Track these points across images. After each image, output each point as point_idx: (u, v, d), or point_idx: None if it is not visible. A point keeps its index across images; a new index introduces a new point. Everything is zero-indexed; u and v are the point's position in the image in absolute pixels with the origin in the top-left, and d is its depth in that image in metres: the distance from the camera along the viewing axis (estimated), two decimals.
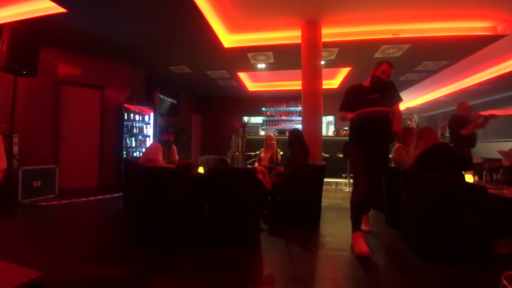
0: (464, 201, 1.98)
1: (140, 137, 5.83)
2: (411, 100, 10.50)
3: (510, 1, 3.68)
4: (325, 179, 3.91)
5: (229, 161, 4.42)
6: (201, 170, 3.18)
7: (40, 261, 1.98)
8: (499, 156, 3.08)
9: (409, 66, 6.00)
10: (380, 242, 2.53)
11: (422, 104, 10.59)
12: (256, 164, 4.08)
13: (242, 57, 5.52)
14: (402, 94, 9.17)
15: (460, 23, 4.35)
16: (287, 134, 3.47)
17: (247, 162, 4.63)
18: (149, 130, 5.97)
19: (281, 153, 4.31)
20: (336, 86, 7.82)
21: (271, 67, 6.20)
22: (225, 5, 3.95)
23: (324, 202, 3.77)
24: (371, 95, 2.33)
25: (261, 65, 6.04)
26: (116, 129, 5.46)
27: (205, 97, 9.71)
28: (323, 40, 4.44)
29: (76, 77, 5.17)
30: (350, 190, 5.17)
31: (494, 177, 2.61)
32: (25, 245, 2.34)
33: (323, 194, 3.15)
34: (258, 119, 10.10)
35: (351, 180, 5.30)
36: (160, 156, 3.28)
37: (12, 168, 3.70)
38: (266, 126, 8.76)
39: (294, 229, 2.80)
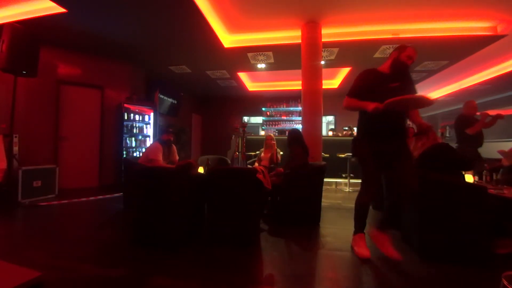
0: (464, 201, 1.98)
1: (140, 137, 5.83)
2: None
3: (510, 1, 3.68)
4: (325, 179, 3.91)
5: (229, 161, 4.42)
6: (201, 170, 3.18)
7: (40, 261, 1.98)
8: (499, 156, 3.08)
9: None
10: None
11: None
12: (256, 164, 4.08)
13: (242, 57, 5.52)
14: None
15: (460, 23, 4.35)
16: (287, 134, 3.47)
17: (247, 162, 4.63)
18: (149, 130, 5.97)
19: (281, 153, 4.31)
20: (336, 86, 7.82)
21: (271, 67, 6.20)
22: (225, 5, 3.95)
23: (324, 202, 3.77)
24: (392, 83, 2.01)
25: (261, 65, 6.04)
26: (116, 129, 5.46)
27: (205, 97, 9.71)
28: (323, 40, 4.44)
29: (76, 77, 5.17)
30: (350, 190, 5.17)
31: (494, 177, 2.61)
32: (25, 245, 2.34)
33: (323, 194, 3.15)
34: (258, 119, 10.10)
35: (351, 180, 5.31)
36: (160, 156, 3.28)
37: (12, 168, 3.70)
38: (266, 126, 8.76)
39: (294, 229, 2.80)
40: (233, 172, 2.52)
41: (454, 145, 3.70)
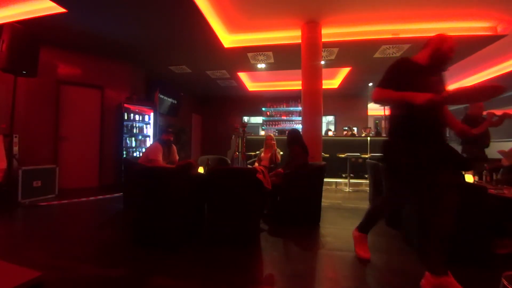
0: (464, 201, 1.98)
1: (140, 137, 5.83)
2: None
3: (510, 1, 3.68)
4: (325, 179, 3.92)
5: (229, 161, 4.42)
6: (201, 170, 3.18)
7: (40, 261, 1.98)
8: (499, 156, 3.08)
9: None
10: (380, 242, 2.53)
11: None
12: (256, 164, 4.08)
13: (242, 57, 5.52)
14: None
15: (460, 23, 4.35)
16: (287, 134, 3.47)
17: (247, 162, 4.63)
18: (149, 130, 5.97)
19: (281, 153, 4.31)
20: (336, 86, 7.82)
21: (271, 67, 6.20)
22: (225, 5, 3.95)
23: (324, 202, 3.77)
24: (432, 76, 1.77)
25: (261, 65, 6.04)
26: (116, 129, 5.46)
27: (205, 97, 9.71)
28: (323, 40, 4.44)
29: (76, 77, 5.17)
30: (350, 190, 5.17)
31: (494, 177, 2.61)
32: (25, 245, 2.34)
33: (323, 194, 3.15)
34: (258, 119, 10.10)
35: (351, 180, 5.31)
36: (160, 156, 3.27)
37: (12, 168, 3.70)
38: (266, 126, 8.76)
39: (294, 229, 2.80)
40: (233, 172, 2.52)
41: (458, 146, 3.65)
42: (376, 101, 1.83)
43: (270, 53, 5.31)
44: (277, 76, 7.49)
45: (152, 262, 1.97)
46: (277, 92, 8.65)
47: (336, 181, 5.70)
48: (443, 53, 1.75)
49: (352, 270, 1.93)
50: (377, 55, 5.28)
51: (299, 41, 4.51)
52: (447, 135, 5.76)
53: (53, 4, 3.60)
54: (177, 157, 3.70)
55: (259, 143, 5.15)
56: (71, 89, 5.13)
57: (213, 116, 9.97)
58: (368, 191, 4.54)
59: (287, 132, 3.51)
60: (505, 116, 3.48)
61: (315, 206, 3.00)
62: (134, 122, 5.64)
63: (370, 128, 6.71)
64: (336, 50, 5.08)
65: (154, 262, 1.97)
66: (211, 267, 1.93)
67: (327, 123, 11.25)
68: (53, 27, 4.19)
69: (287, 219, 2.97)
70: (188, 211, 2.35)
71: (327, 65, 5.91)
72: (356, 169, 5.45)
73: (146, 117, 5.91)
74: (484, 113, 3.72)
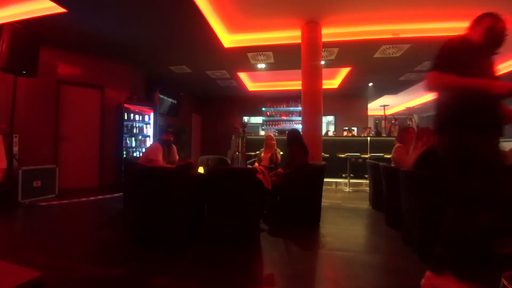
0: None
1: (140, 137, 5.83)
2: (411, 100, 10.51)
3: (510, 1, 3.68)
4: (325, 179, 3.92)
5: (229, 161, 4.42)
6: (201, 170, 3.18)
7: (40, 261, 1.98)
8: None
9: (409, 66, 6.00)
10: (380, 242, 2.53)
11: (422, 104, 10.59)
12: (256, 164, 4.08)
13: (242, 57, 5.52)
14: (402, 94, 9.19)
15: (460, 23, 4.34)
16: (286, 134, 3.47)
17: (247, 162, 4.63)
18: (149, 130, 5.97)
19: (281, 153, 4.31)
20: (336, 86, 7.82)
21: (271, 67, 6.20)
22: (225, 5, 3.95)
23: (324, 202, 3.77)
24: (488, 58, 1.56)
25: (261, 65, 6.04)
26: (116, 129, 5.46)
27: (205, 97, 9.71)
28: (323, 40, 4.44)
29: (76, 77, 5.17)
30: (350, 190, 5.17)
31: None
32: (25, 245, 2.34)
33: (323, 194, 3.15)
34: (258, 119, 10.11)
35: (351, 180, 5.31)
36: (160, 156, 3.27)
37: (12, 168, 3.70)
38: (266, 126, 8.76)
39: (294, 229, 2.80)
40: (233, 172, 2.52)
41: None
42: (433, 88, 1.53)
43: (270, 53, 5.31)
44: (277, 76, 7.49)
45: (152, 262, 1.97)
46: (277, 92, 8.65)
47: (336, 181, 5.70)
48: (499, 31, 1.59)
49: (352, 270, 1.93)
50: (377, 55, 5.28)
51: (299, 41, 4.51)
52: None
53: (53, 4, 3.60)
54: (177, 157, 3.70)
55: (259, 143, 5.15)
56: (71, 89, 5.13)
57: (213, 116, 9.97)
58: (368, 191, 4.54)
59: (287, 132, 3.51)
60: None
61: (315, 206, 3.00)
62: (134, 122, 5.64)
63: (370, 128, 6.72)
64: (336, 50, 5.08)
65: (154, 262, 1.97)
66: (211, 267, 1.93)
67: (327, 123, 11.26)
68: (53, 27, 4.19)
69: (287, 219, 2.97)
70: (188, 211, 2.34)
71: (327, 65, 5.90)
72: (356, 169, 5.45)
73: (146, 117, 5.91)
74: None
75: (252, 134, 7.38)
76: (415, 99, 10.29)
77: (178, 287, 1.65)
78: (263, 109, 8.89)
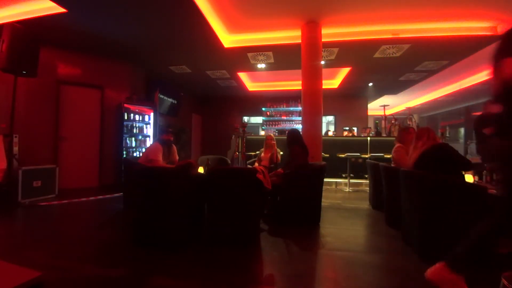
0: (464, 201, 1.98)
1: (140, 137, 5.83)
2: (411, 100, 10.51)
3: (510, 1, 3.68)
4: (325, 179, 3.92)
5: (229, 161, 4.42)
6: (201, 170, 3.18)
7: (40, 261, 1.98)
8: None
9: (409, 66, 6.00)
10: (380, 242, 2.53)
11: (422, 104, 10.59)
12: (256, 164, 4.08)
13: (242, 57, 5.52)
14: (402, 94, 9.18)
15: (460, 23, 4.34)
16: (286, 134, 3.47)
17: (247, 162, 4.63)
18: (149, 130, 5.97)
19: (281, 153, 4.31)
20: (336, 86, 7.82)
21: (271, 67, 6.20)
22: (225, 5, 3.95)
23: (324, 202, 3.77)
24: None
25: (261, 65, 6.04)
26: (116, 129, 5.46)
27: (205, 97, 9.71)
28: (323, 40, 4.44)
29: (76, 77, 5.17)
30: (350, 190, 5.17)
31: (494, 177, 2.61)
32: (25, 245, 2.34)
33: (323, 194, 3.15)
34: (258, 119, 10.10)
35: (351, 180, 5.30)
36: (160, 156, 3.27)
37: (12, 168, 3.70)
38: (266, 126, 8.76)
39: (294, 229, 2.80)
40: (233, 172, 2.52)
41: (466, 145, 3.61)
42: None
43: (270, 53, 5.31)
44: (277, 76, 7.49)
45: (152, 262, 1.97)
46: (277, 92, 8.65)
47: (336, 181, 5.70)
48: None
49: (352, 270, 1.93)
50: (377, 55, 5.28)
51: (299, 41, 4.51)
52: (447, 135, 5.69)
53: (53, 4, 3.60)
54: (177, 157, 3.70)
55: (259, 143, 5.15)
56: (71, 89, 5.13)
57: (213, 116, 9.97)
58: (368, 191, 4.54)
59: (287, 132, 3.51)
60: None
61: (315, 206, 3.00)
62: (134, 122, 5.64)
63: (370, 128, 6.71)
64: (336, 50, 5.08)
65: (154, 262, 1.97)
66: (211, 267, 1.93)
67: (327, 123, 11.25)
68: (53, 27, 4.19)
69: (287, 219, 2.97)
70: (188, 211, 2.34)
71: (327, 65, 5.90)
72: (356, 169, 5.45)
73: (146, 117, 5.91)
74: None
75: (252, 134, 7.38)
76: (415, 99, 10.30)
77: (178, 287, 1.66)
78: (263, 109, 8.88)
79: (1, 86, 4.29)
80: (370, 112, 9.69)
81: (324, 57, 5.39)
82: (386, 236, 2.66)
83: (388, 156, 4.14)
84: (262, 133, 8.42)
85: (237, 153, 4.88)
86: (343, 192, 5.15)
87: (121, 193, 4.12)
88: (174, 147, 3.67)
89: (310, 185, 2.97)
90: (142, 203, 2.33)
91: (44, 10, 3.83)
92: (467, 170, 2.54)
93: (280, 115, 8.76)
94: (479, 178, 2.73)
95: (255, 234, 2.48)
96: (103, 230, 2.82)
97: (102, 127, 5.43)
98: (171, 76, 6.89)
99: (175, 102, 7.65)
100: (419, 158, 2.33)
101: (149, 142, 5.91)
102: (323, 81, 4.55)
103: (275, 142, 4.11)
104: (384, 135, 5.82)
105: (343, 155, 5.18)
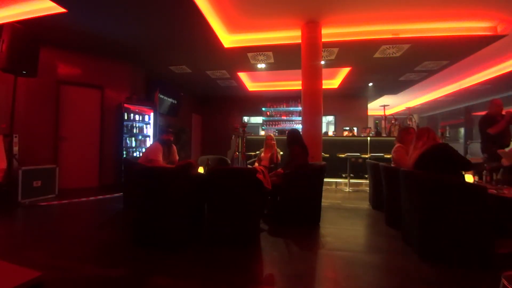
0: (464, 201, 1.98)
1: (140, 137, 5.83)
2: (411, 100, 10.51)
3: (510, 1, 3.68)
4: (325, 179, 3.92)
5: (229, 161, 4.42)
6: (201, 170, 3.18)
7: (40, 261, 1.98)
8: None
9: (409, 66, 6.00)
10: (380, 242, 2.53)
11: (422, 104, 10.59)
12: (256, 164, 4.08)
13: (242, 57, 5.52)
14: (402, 94, 9.19)
15: (460, 23, 4.34)
16: (286, 134, 3.47)
17: (247, 162, 4.63)
18: (149, 130, 5.97)
19: (281, 153, 4.31)
20: (336, 86, 7.82)
21: (271, 67, 6.20)
22: (225, 5, 3.95)
23: (324, 202, 3.77)
24: None
25: (261, 65, 6.04)
26: (116, 129, 5.46)
27: (205, 97, 9.72)
28: (323, 40, 4.44)
29: (76, 77, 5.17)
30: (350, 190, 5.17)
31: (494, 177, 2.61)
32: (25, 245, 2.34)
33: (323, 194, 3.15)
34: (258, 119, 10.10)
35: (351, 180, 5.30)
36: (160, 156, 3.27)
37: (12, 168, 3.70)
38: (266, 126, 8.76)
39: (294, 229, 2.80)
40: (233, 172, 2.52)
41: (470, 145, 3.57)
42: None
43: (270, 53, 5.31)
44: (277, 76, 7.49)
45: (152, 262, 1.97)
46: (277, 92, 8.65)
47: (336, 181, 5.70)
48: None
49: (352, 270, 1.93)
50: (377, 55, 5.28)
51: (299, 41, 4.51)
52: (447, 135, 5.69)
53: (53, 4, 3.60)
54: (177, 157, 3.70)
55: (259, 143, 5.15)
56: (71, 89, 5.13)
57: (213, 116, 9.97)
58: (368, 191, 4.54)
59: (287, 132, 3.51)
60: None
61: (315, 206, 3.00)
62: (134, 122, 5.64)
63: (370, 128, 6.71)
64: (336, 50, 5.08)
65: (154, 262, 1.97)
66: (211, 267, 1.93)
67: (327, 123, 11.26)
68: (53, 27, 4.19)
69: (287, 219, 2.97)
70: (188, 211, 2.34)
71: (327, 65, 5.90)
72: (356, 169, 5.45)
73: (146, 117, 5.91)
74: (504, 112, 3.64)
75: (252, 134, 7.38)
76: (415, 99, 10.30)
77: (178, 287, 1.65)
78: (263, 109, 8.88)
79: (1, 86, 4.29)
80: (370, 112, 9.69)
81: (324, 57, 5.39)
82: (386, 236, 2.66)
83: (388, 156, 4.14)
84: (262, 133, 8.42)
85: (237, 153, 4.88)
86: (343, 192, 5.15)
87: (121, 193, 4.12)
88: (174, 147, 3.67)
89: (310, 185, 2.97)
90: (142, 203, 2.33)
91: (44, 10, 3.83)
92: (467, 170, 2.54)
93: (280, 115, 8.76)
94: (479, 178, 2.73)
95: (255, 234, 2.48)
96: (103, 230, 2.82)
97: (102, 127, 5.43)
98: (171, 76, 6.89)
99: (175, 102, 7.65)
100: (419, 158, 2.33)
101: (149, 142, 5.91)
102: (323, 81, 4.55)
103: (275, 142, 4.11)
104: (384, 135, 5.82)
105: (343, 155, 5.18)
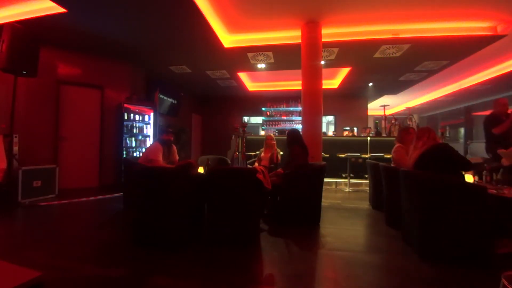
0: (464, 201, 1.98)
1: (140, 137, 5.83)
2: (411, 100, 10.51)
3: (510, 1, 3.68)
4: (325, 179, 3.91)
5: (229, 161, 4.42)
6: (201, 170, 3.18)
7: (40, 261, 1.98)
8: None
9: (409, 66, 6.00)
10: (380, 242, 2.53)
11: (422, 104, 10.59)
12: (256, 164, 4.08)
13: (242, 57, 5.52)
14: (402, 94, 9.21)
15: (460, 23, 4.34)
16: (286, 134, 3.47)
17: (247, 162, 4.63)
18: (149, 130, 5.97)
19: (281, 153, 4.31)
20: (336, 86, 7.82)
21: (271, 67, 6.20)
22: (225, 5, 3.95)
23: (324, 202, 3.77)
24: None
25: (261, 65, 6.04)
26: (116, 129, 5.46)
27: (205, 97, 9.72)
28: (323, 40, 4.44)
29: (76, 77, 5.17)
30: (350, 190, 5.17)
31: (494, 177, 2.61)
32: (25, 245, 2.34)
33: (323, 194, 3.15)
34: (258, 119, 10.10)
35: (351, 180, 5.30)
36: (160, 156, 3.27)
37: (12, 168, 3.70)
38: (266, 126, 8.76)
39: (294, 229, 2.80)
40: (233, 172, 2.52)
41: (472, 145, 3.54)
42: None
43: (270, 53, 5.31)
44: (277, 76, 7.49)
45: (152, 262, 1.97)
46: (277, 92, 8.65)
47: (336, 181, 5.70)
48: None
49: (352, 270, 1.93)
50: (377, 55, 5.28)
51: (299, 41, 4.50)
52: (447, 135, 5.69)
53: (53, 4, 3.60)
54: (177, 157, 3.70)
55: (259, 143, 5.15)
56: (71, 89, 5.13)
57: (213, 116, 9.97)
58: (368, 191, 4.54)
59: (287, 132, 3.51)
60: None
61: (315, 206, 3.00)
62: (134, 122, 5.64)
63: (370, 128, 6.71)
64: (336, 50, 5.08)
65: (154, 262, 1.97)
66: (211, 267, 1.93)
67: (327, 123, 11.25)
68: (53, 27, 4.19)
69: (287, 219, 2.97)
70: (188, 211, 2.34)
71: (327, 65, 5.90)
72: (356, 169, 5.45)
73: (146, 117, 5.91)
74: (509, 111, 3.62)
75: (252, 134, 7.38)
76: (415, 99, 10.30)
77: (178, 287, 1.65)
78: (263, 109, 8.88)
79: (1, 86, 4.29)
80: (370, 112, 9.69)
81: (324, 57, 5.39)
82: (386, 236, 2.66)
83: (388, 156, 4.14)
84: (262, 133, 8.42)
85: (237, 153, 4.88)
86: (343, 192, 5.15)
87: (121, 193, 4.12)
88: (174, 147, 3.67)
89: (310, 185, 2.97)
90: (142, 203, 2.33)
91: (44, 10, 3.83)
92: (467, 170, 2.54)
93: (280, 115, 8.76)
94: (479, 178, 2.73)
95: (255, 234, 2.48)
96: (103, 230, 2.82)
97: (102, 127, 5.43)
98: (171, 76, 6.89)
99: (175, 102, 7.65)
100: (419, 158, 2.33)
101: (149, 142, 5.91)
102: (323, 81, 4.55)
103: (275, 142, 4.11)
104: (384, 135, 5.82)
105: (343, 155, 5.18)
